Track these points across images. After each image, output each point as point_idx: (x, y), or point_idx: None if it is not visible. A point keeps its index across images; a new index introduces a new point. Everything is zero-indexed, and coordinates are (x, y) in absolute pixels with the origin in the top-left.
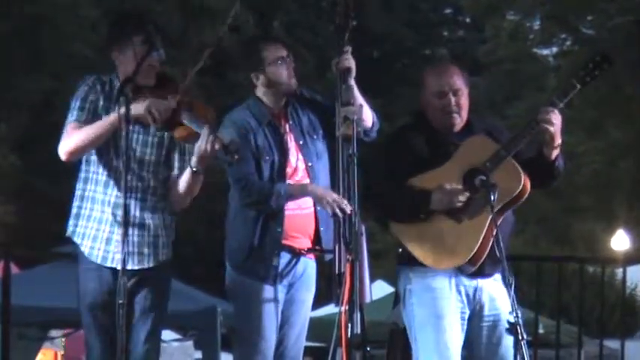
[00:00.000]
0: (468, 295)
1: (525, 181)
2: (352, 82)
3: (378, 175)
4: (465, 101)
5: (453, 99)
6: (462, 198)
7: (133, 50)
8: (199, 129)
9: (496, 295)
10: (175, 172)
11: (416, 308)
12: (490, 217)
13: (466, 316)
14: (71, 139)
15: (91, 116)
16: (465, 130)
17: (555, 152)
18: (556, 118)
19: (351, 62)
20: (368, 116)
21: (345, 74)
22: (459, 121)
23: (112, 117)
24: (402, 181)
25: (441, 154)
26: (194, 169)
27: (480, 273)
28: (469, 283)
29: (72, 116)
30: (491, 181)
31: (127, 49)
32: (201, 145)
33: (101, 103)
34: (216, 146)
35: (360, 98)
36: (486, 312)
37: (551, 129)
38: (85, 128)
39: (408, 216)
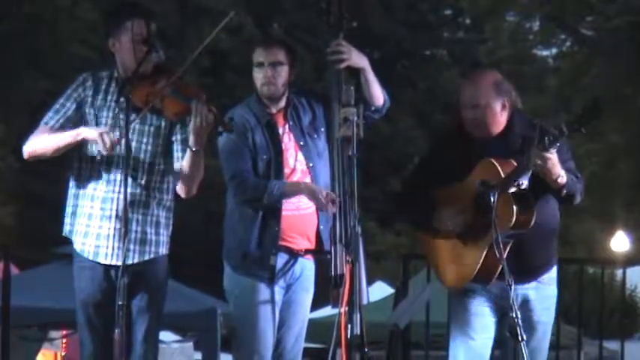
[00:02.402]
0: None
1: (520, 215)
2: (364, 62)
3: (407, 181)
4: (486, 116)
5: (471, 113)
6: (453, 224)
7: (128, 36)
8: (188, 102)
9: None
10: (177, 162)
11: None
12: (488, 244)
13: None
14: (35, 142)
15: (65, 119)
16: (501, 138)
17: (557, 183)
18: (547, 159)
19: (345, 52)
20: (379, 94)
21: (338, 66)
22: (479, 134)
23: (77, 132)
24: (422, 191)
25: (467, 167)
26: (193, 149)
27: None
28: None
29: (46, 117)
30: (492, 183)
31: (122, 36)
32: (194, 119)
33: (89, 99)
34: (210, 117)
35: (372, 77)
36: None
37: (545, 169)
38: (50, 137)
39: (418, 228)
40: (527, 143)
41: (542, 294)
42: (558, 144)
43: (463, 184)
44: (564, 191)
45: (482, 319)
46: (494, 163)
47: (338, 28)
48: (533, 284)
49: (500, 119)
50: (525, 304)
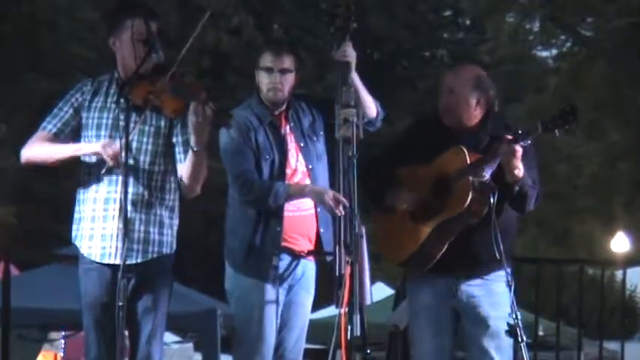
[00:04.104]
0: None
1: (473, 202)
2: (354, 74)
3: (376, 155)
4: (458, 104)
5: (444, 98)
6: (408, 202)
7: (129, 35)
8: (187, 99)
9: (477, 295)
10: (179, 163)
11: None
12: (435, 224)
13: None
14: (33, 149)
15: (63, 124)
16: (474, 131)
17: (514, 178)
18: (513, 151)
19: (350, 56)
20: (371, 106)
21: (344, 68)
22: (449, 122)
23: (78, 147)
24: (388, 167)
25: (434, 153)
26: (194, 149)
27: (457, 274)
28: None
29: (44, 122)
30: (492, 184)
31: (122, 34)
32: (193, 116)
33: (87, 103)
34: (208, 113)
35: (362, 88)
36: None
37: (507, 158)
38: (50, 147)
39: (374, 201)
40: (496, 142)
41: (489, 290)
42: (528, 141)
43: (428, 166)
44: (517, 188)
45: (435, 313)
46: (464, 150)
47: (345, 31)
48: (478, 281)
49: (473, 112)
50: (471, 299)
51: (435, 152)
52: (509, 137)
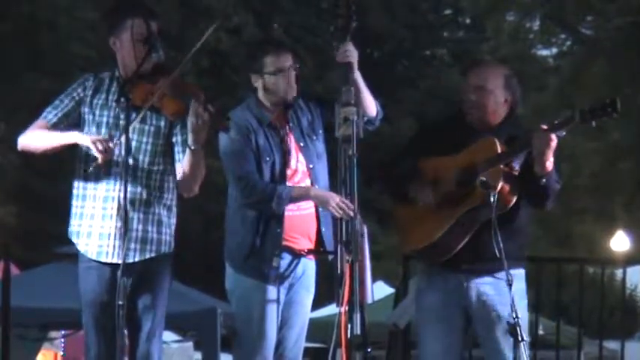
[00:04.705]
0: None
1: (503, 190)
2: (356, 74)
3: (397, 150)
4: (488, 101)
5: (473, 95)
6: (427, 197)
7: (129, 35)
8: (186, 101)
9: (489, 293)
10: (178, 162)
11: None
12: (461, 213)
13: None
14: (30, 136)
15: (63, 115)
16: (495, 130)
17: (544, 170)
18: (550, 140)
19: (352, 55)
20: (372, 105)
21: (347, 67)
22: (475, 118)
23: (70, 135)
24: (411, 159)
25: (459, 145)
26: (192, 148)
27: (466, 270)
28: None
29: (45, 112)
30: (491, 182)
31: (122, 34)
32: (192, 118)
33: (88, 99)
34: (206, 116)
35: (364, 87)
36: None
37: (541, 148)
38: (45, 134)
39: (394, 195)
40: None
41: (501, 290)
42: (564, 132)
43: (455, 157)
44: (543, 181)
45: (445, 312)
46: (496, 140)
47: (346, 31)
48: (489, 279)
49: (499, 111)
50: (481, 297)
51: (455, 150)
52: (545, 127)
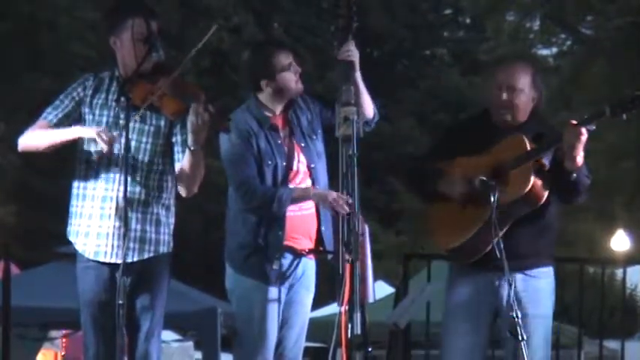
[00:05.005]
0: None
1: (535, 186)
2: (357, 74)
3: (423, 153)
4: (519, 101)
5: (504, 95)
6: (461, 189)
7: (129, 34)
8: (186, 101)
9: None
10: (177, 162)
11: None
12: (489, 214)
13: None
14: (30, 136)
15: (64, 115)
16: (521, 129)
17: (575, 165)
18: (580, 134)
19: (354, 55)
20: (369, 107)
21: (348, 67)
22: (509, 118)
23: (73, 129)
24: (436, 159)
25: (485, 145)
26: (192, 148)
27: (496, 268)
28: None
29: (45, 112)
30: (491, 182)
31: (123, 34)
32: (192, 118)
33: (88, 99)
34: (206, 117)
35: (363, 88)
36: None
37: (572, 142)
38: (46, 132)
39: (422, 193)
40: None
41: (530, 286)
42: (594, 125)
43: (483, 155)
44: (574, 175)
45: (474, 309)
46: (524, 137)
47: (347, 31)
48: (519, 275)
49: (527, 109)
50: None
51: (481, 150)
52: (574, 122)
